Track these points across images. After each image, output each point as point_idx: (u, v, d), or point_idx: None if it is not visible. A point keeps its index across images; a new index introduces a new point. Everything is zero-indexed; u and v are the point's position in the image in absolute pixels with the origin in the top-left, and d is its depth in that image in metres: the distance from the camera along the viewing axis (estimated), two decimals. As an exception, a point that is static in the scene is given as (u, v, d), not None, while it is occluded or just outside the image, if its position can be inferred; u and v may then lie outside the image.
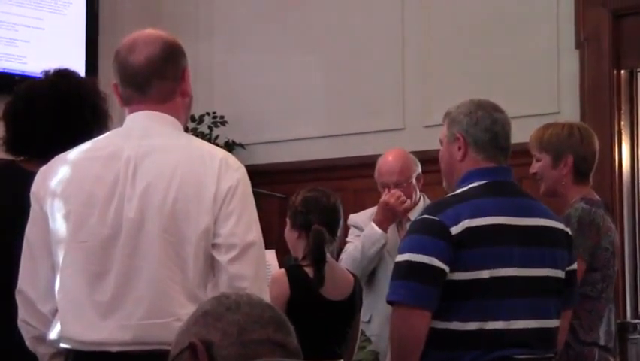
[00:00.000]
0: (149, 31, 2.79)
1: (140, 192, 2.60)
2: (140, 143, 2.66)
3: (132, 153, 2.64)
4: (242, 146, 6.79)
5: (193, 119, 6.55)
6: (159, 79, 2.72)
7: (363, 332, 4.14)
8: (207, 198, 2.60)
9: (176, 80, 2.76)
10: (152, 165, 2.63)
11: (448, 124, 3.31)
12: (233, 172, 2.66)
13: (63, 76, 3.27)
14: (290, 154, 6.65)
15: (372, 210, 4.78)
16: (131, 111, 2.76)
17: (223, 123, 6.77)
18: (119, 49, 2.77)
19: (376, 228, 4.49)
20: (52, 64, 6.36)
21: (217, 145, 6.64)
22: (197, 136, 6.57)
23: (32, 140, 3.14)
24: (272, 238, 4.90)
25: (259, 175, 6.47)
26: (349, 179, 6.16)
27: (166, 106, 2.74)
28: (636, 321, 5.47)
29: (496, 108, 3.31)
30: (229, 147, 6.76)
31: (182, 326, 1.78)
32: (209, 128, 6.75)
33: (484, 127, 3.24)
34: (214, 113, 6.76)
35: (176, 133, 2.75)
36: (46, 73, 3.30)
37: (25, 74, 6.47)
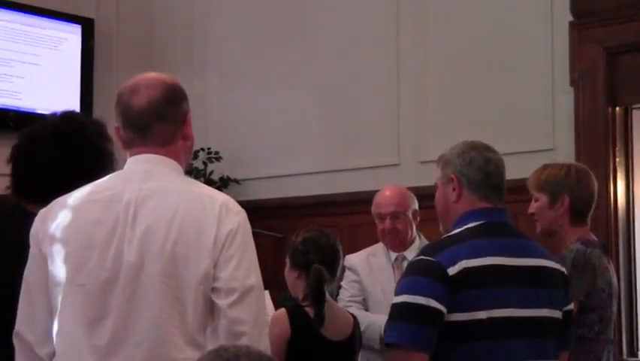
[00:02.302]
0: (152, 75, 2.78)
1: (140, 236, 2.59)
2: (141, 186, 2.66)
3: (132, 196, 2.64)
4: (236, 181, 6.80)
5: (188, 154, 6.54)
6: (161, 122, 2.71)
7: (360, 372, 4.13)
8: (207, 242, 2.59)
9: (178, 124, 2.75)
10: (153, 209, 2.62)
11: (442, 166, 3.32)
12: (234, 216, 2.65)
13: (67, 118, 3.26)
14: (284, 190, 6.66)
15: (368, 251, 4.80)
16: (132, 154, 2.75)
17: (218, 159, 6.78)
18: (121, 91, 2.76)
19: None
20: (47, 99, 6.49)
21: (212, 180, 6.70)
22: (191, 171, 6.63)
23: (35, 182, 3.13)
24: (267, 277, 4.90)
25: (253, 210, 6.39)
26: (344, 215, 6.17)
27: (167, 149, 2.73)
28: (633, 359, 5.45)
29: (488, 148, 3.31)
30: (223, 182, 6.78)
31: None
32: (204, 163, 6.76)
33: (478, 167, 3.24)
34: (209, 148, 6.77)
35: (177, 177, 2.74)
36: (52, 115, 3.29)
37: (20, 109, 6.51)
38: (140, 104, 2.71)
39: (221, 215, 2.62)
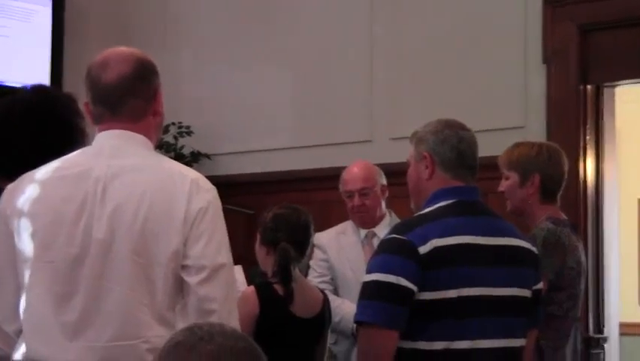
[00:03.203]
0: (122, 49, 2.77)
1: (109, 213, 2.58)
2: (110, 163, 2.64)
3: (101, 173, 2.62)
4: (207, 156, 6.77)
5: (158, 128, 6.50)
6: (131, 97, 2.70)
7: (329, 349, 4.13)
8: (177, 220, 2.58)
9: (148, 100, 2.74)
10: (122, 186, 2.60)
11: (415, 143, 3.31)
12: (205, 193, 2.64)
13: (39, 93, 3.22)
14: (256, 165, 6.63)
15: (337, 229, 4.80)
16: (102, 130, 2.73)
17: (189, 133, 6.74)
18: (91, 66, 2.74)
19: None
20: (17, 72, 6.42)
21: (182, 155, 6.67)
22: (162, 146, 6.58)
23: (4, 157, 3.10)
24: (238, 253, 4.89)
25: (224, 186, 6.38)
26: (315, 191, 6.14)
27: (137, 125, 2.71)
28: (599, 336, 5.50)
29: (462, 127, 3.31)
30: (194, 157, 6.74)
31: (155, 356, 1.76)
32: (175, 138, 6.72)
33: (451, 145, 3.24)
34: (180, 123, 6.72)
35: (147, 153, 2.72)
36: (23, 89, 3.26)
37: (-11, 81, 6.43)
38: (110, 80, 2.69)
39: (192, 192, 2.62)
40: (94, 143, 2.75)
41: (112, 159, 2.65)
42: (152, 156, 2.74)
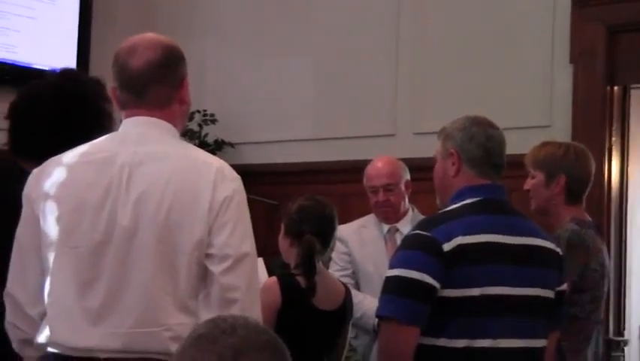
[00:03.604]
0: (150, 36, 2.76)
1: (134, 200, 2.58)
2: (136, 149, 2.64)
3: (127, 159, 2.62)
4: (231, 145, 6.77)
5: (183, 115, 6.51)
6: (157, 84, 2.69)
7: (349, 342, 4.13)
8: (202, 208, 2.58)
9: (175, 87, 2.73)
10: (147, 174, 2.60)
11: (442, 140, 3.30)
12: (230, 182, 2.64)
13: (68, 77, 3.24)
14: (279, 155, 6.63)
15: (359, 222, 4.78)
16: (128, 116, 2.73)
17: (213, 121, 6.74)
18: (119, 52, 2.73)
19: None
20: (44, 54, 6.43)
21: (206, 143, 6.67)
22: (186, 133, 6.59)
23: (33, 141, 3.12)
24: (259, 244, 4.88)
25: (246, 175, 6.40)
26: (337, 183, 6.13)
27: (163, 112, 2.71)
28: (619, 339, 5.48)
29: (491, 125, 3.30)
30: (218, 145, 6.74)
31: (178, 348, 1.75)
32: (199, 125, 6.73)
33: (479, 143, 3.23)
34: (204, 111, 6.73)
35: (172, 140, 2.72)
36: (52, 72, 3.27)
37: (17, 63, 6.45)
38: (137, 66, 2.69)
39: (217, 181, 2.62)
40: (120, 129, 2.75)
41: (138, 145, 2.65)
42: (178, 143, 2.74)
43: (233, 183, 2.65)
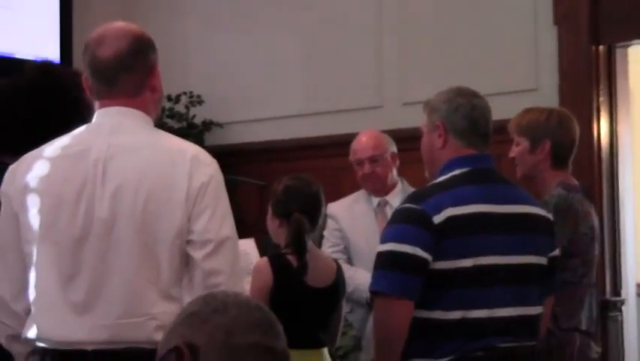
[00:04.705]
0: (119, 25, 2.76)
1: (111, 194, 2.58)
2: (109, 142, 2.64)
3: (101, 153, 2.63)
4: (219, 125, 6.76)
5: (169, 98, 6.51)
6: (127, 73, 2.70)
7: (345, 318, 4.13)
8: (179, 197, 2.58)
9: (145, 75, 2.73)
10: (122, 166, 2.61)
11: (428, 112, 3.30)
12: (205, 167, 2.64)
13: (43, 71, 3.23)
14: (267, 133, 6.62)
15: (350, 198, 4.79)
16: (101, 106, 2.74)
17: (200, 103, 6.74)
18: (88, 42, 2.73)
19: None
20: (26, 44, 6.39)
21: (194, 125, 6.66)
22: (174, 116, 6.58)
23: (11, 135, 3.11)
24: (250, 225, 4.89)
25: (237, 154, 6.47)
26: (327, 158, 6.13)
27: (135, 100, 2.71)
28: (616, 299, 5.50)
29: (475, 95, 3.29)
30: (206, 126, 6.74)
31: (169, 325, 1.75)
32: (186, 107, 6.72)
33: (464, 114, 3.22)
34: (191, 92, 6.72)
35: (146, 129, 2.72)
36: (28, 66, 3.26)
37: (-3, 54, 6.41)
38: (107, 56, 2.69)
39: (192, 168, 2.62)
40: (94, 120, 2.75)
41: (111, 137, 2.65)
42: (151, 132, 2.74)
43: (209, 168, 2.65)
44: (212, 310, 1.70)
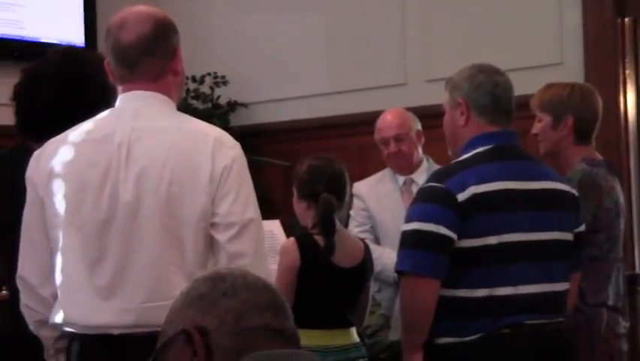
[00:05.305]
0: (141, 9, 2.76)
1: (135, 176, 2.59)
2: (133, 125, 2.65)
3: (125, 136, 2.63)
4: (244, 105, 6.76)
5: (194, 79, 6.52)
6: (149, 57, 2.70)
7: (373, 297, 4.13)
8: (203, 179, 2.59)
9: (167, 58, 2.73)
10: (145, 149, 2.61)
11: (449, 90, 3.29)
12: (228, 150, 2.64)
13: (68, 56, 3.25)
14: (293, 112, 6.60)
15: (375, 177, 4.78)
16: (124, 90, 2.74)
17: (224, 83, 6.72)
18: (110, 26, 2.74)
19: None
20: (51, 29, 6.41)
21: (219, 105, 6.66)
22: (199, 97, 6.59)
23: (38, 121, 3.14)
24: (276, 206, 4.90)
25: (261, 134, 6.48)
26: (352, 136, 6.12)
27: (157, 84, 2.72)
28: (645, 273, 5.47)
29: (497, 71, 3.28)
30: (231, 106, 6.73)
31: (175, 304, 1.73)
32: (211, 88, 6.71)
33: (486, 91, 3.21)
34: (215, 73, 6.71)
35: (169, 113, 2.73)
36: (53, 52, 3.28)
37: (24, 39, 6.43)
38: (129, 40, 2.69)
39: (215, 151, 2.62)
40: (117, 104, 2.76)
41: (134, 121, 2.66)
42: (174, 116, 2.74)
43: (232, 151, 2.65)
44: (222, 294, 1.68)
